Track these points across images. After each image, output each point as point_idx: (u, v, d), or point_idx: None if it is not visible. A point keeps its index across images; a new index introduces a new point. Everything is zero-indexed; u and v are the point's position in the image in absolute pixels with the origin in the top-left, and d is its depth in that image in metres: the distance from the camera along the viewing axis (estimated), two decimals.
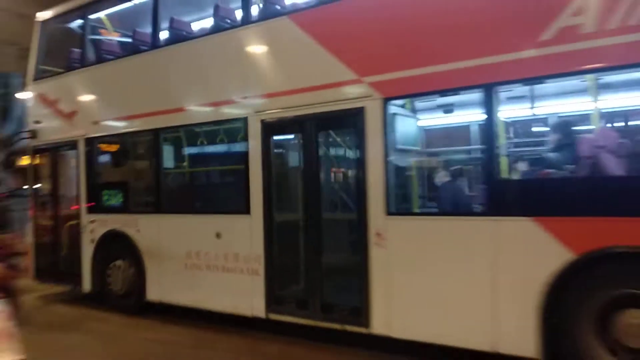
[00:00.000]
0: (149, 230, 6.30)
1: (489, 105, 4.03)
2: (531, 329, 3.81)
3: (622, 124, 4.71)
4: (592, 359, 3.66)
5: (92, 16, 7.32)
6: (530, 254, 3.84)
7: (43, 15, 7.89)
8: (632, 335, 3.54)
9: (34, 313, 6.59)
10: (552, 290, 3.72)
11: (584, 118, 4.39)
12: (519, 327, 3.86)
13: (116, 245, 6.60)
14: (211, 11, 6.06)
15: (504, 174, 4.14)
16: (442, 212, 5.04)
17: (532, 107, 4.61)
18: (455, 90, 4.39)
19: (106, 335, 5.73)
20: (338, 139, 5.40)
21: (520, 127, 5.15)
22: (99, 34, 7.54)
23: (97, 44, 7.24)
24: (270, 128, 5.29)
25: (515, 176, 4.39)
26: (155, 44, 6.37)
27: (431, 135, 5.88)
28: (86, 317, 6.53)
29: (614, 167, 3.76)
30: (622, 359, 3.58)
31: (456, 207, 4.90)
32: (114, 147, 7.02)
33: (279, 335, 5.25)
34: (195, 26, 6.91)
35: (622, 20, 3.53)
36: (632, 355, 3.55)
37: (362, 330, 4.66)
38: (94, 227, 6.80)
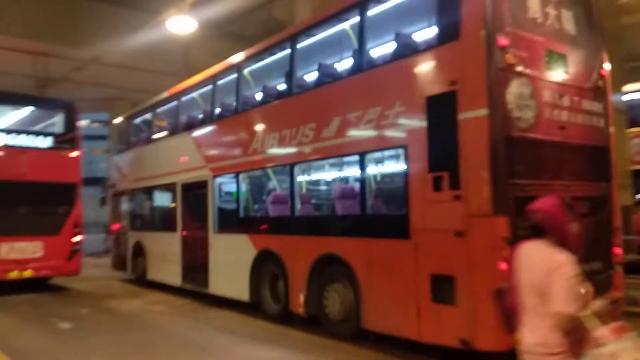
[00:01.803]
0: None
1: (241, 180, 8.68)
2: (247, 285, 8.27)
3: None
4: (265, 302, 8.00)
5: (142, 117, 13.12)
6: (245, 249, 8.31)
7: (116, 120, 14.05)
8: (279, 292, 7.79)
9: None
10: (253, 266, 8.17)
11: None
12: (244, 285, 8.33)
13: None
14: None
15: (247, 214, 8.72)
16: (236, 232, 8.86)
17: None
18: (236, 173, 8.94)
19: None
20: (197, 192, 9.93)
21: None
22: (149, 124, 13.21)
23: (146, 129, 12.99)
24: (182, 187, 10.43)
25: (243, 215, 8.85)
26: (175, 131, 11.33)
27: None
28: None
29: (272, 211, 8.13)
30: (279, 303, 7.80)
31: (237, 230, 8.88)
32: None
33: None
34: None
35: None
36: (277, 299, 7.81)
37: (204, 290, 9.43)
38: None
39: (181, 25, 12.92)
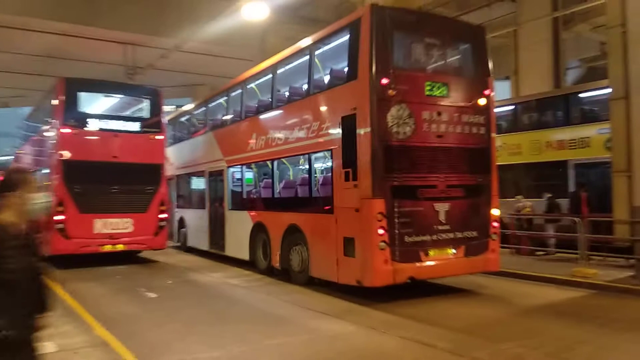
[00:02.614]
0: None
1: (244, 170, 11.60)
2: (247, 248, 11.21)
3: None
4: (258, 260, 10.88)
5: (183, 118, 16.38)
6: (246, 222, 11.22)
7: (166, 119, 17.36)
8: (267, 253, 10.62)
9: None
10: (251, 234, 11.07)
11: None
12: (245, 248, 11.26)
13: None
14: None
15: (247, 196, 11.65)
16: (241, 209, 11.95)
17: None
18: (241, 165, 11.88)
19: None
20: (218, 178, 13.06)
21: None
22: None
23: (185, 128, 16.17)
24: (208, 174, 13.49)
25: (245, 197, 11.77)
26: (204, 130, 14.89)
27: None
28: None
29: (262, 194, 10.96)
30: (267, 260, 10.63)
31: (242, 207, 11.93)
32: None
33: None
34: None
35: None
36: (266, 258, 10.65)
37: (222, 252, 12.51)
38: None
39: (255, 11, 13.25)
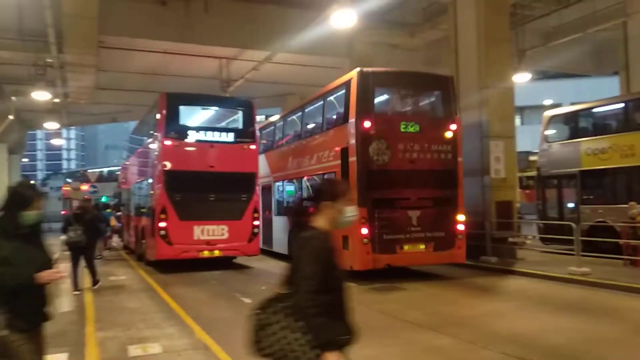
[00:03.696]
0: None
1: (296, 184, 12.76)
2: (286, 245, 12.50)
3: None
4: None
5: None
6: (285, 225, 12.66)
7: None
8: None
9: None
10: (289, 235, 12.35)
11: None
12: (285, 245, 12.59)
13: None
14: None
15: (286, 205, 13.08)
16: (283, 215, 13.63)
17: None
18: (282, 180, 13.52)
19: None
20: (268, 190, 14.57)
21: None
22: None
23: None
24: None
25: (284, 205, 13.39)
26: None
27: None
28: None
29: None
30: None
31: (282, 213, 13.69)
32: None
33: None
34: None
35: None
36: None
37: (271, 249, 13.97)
38: None
39: (343, 18, 13.27)
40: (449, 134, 10.93)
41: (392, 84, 11.51)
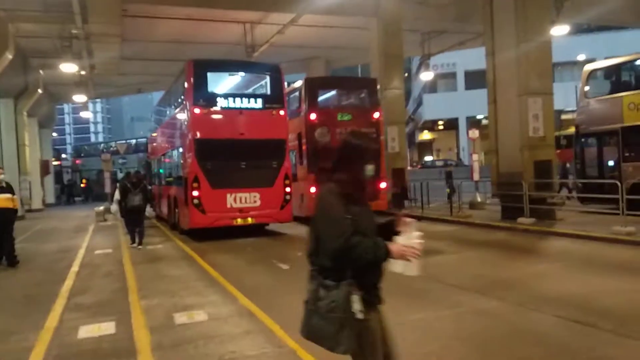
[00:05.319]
0: None
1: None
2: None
3: None
4: None
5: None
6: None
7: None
8: None
9: None
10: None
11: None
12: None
13: None
14: None
15: None
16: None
17: None
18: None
19: None
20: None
21: None
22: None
23: None
24: None
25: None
26: None
27: None
28: None
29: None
30: None
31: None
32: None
33: None
34: None
35: None
36: None
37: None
38: None
39: None
40: (373, 121, 15.35)
41: (331, 86, 16.72)
